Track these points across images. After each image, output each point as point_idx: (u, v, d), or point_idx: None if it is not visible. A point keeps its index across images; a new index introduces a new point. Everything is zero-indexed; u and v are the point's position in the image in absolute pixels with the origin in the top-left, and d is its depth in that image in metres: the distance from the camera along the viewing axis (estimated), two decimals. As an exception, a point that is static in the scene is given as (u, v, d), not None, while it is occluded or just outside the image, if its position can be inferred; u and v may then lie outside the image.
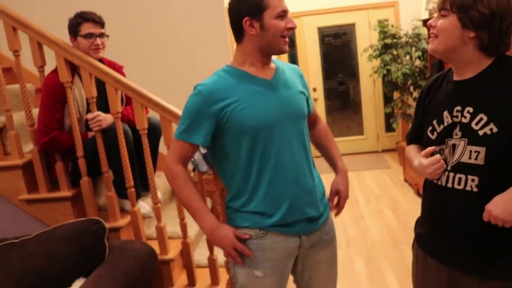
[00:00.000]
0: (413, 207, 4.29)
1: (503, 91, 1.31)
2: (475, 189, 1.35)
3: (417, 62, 5.56)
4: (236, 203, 1.61)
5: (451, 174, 1.41)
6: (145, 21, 3.51)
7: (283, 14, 1.53)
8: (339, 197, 1.79)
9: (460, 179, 1.39)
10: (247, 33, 1.54)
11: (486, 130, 1.32)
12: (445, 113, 1.43)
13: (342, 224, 4.07)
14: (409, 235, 3.69)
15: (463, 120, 1.38)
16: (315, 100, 6.34)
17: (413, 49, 5.45)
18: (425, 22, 4.67)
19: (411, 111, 5.68)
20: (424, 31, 5.43)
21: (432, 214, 1.51)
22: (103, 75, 2.37)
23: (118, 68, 2.67)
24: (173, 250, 2.54)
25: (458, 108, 1.39)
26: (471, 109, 1.36)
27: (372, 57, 5.57)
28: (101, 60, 2.55)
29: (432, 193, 1.50)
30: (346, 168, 1.83)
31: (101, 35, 2.50)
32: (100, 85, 2.54)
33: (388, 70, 5.44)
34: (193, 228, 2.82)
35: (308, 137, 1.70)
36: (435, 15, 1.45)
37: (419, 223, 1.61)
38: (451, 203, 1.42)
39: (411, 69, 5.32)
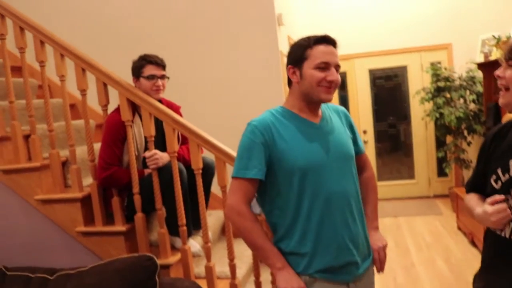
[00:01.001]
0: (467, 257, 4.11)
1: None
2: (541, 244, 1.31)
3: (472, 106, 5.45)
4: (284, 244, 1.63)
5: (516, 226, 1.37)
6: (202, 64, 3.67)
7: (323, 66, 1.59)
8: (377, 250, 1.75)
9: (525, 232, 1.35)
10: (292, 80, 1.66)
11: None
12: (511, 162, 1.40)
13: (392, 272, 3.95)
14: (463, 287, 3.53)
15: (531, 171, 1.35)
16: (365, 142, 6.30)
17: (468, 92, 5.36)
18: (480, 65, 4.61)
19: (465, 156, 5.53)
20: (479, 74, 5.34)
21: (493, 267, 1.46)
22: (162, 115, 2.49)
23: (176, 109, 2.79)
24: (221, 290, 2.56)
25: (526, 157, 1.37)
26: (539, 159, 1.33)
27: (425, 100, 5.51)
28: (160, 101, 2.67)
29: (493, 245, 1.46)
30: (378, 227, 1.82)
31: (162, 77, 2.64)
32: (158, 124, 2.65)
33: (441, 114, 5.35)
34: (241, 269, 2.82)
35: (357, 179, 1.72)
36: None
37: (478, 277, 1.56)
38: (514, 257, 1.37)
39: (465, 112, 5.22)
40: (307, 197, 1.57)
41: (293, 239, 1.60)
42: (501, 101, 1.40)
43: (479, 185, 1.58)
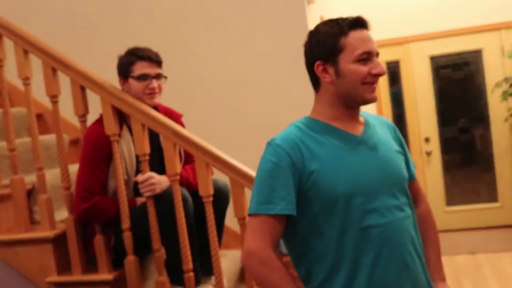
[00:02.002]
0: None
1: None
2: None
3: None
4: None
5: None
6: (210, 59, 3.70)
7: (365, 57, 1.63)
8: None
9: None
10: (322, 80, 1.68)
11: None
12: None
13: (471, 330, 3.92)
14: None
15: None
16: (428, 154, 6.28)
17: None
18: None
19: None
20: None
21: None
22: (159, 127, 2.56)
23: (176, 117, 2.85)
24: None
25: None
26: None
27: (508, 95, 5.48)
28: (156, 107, 2.74)
29: None
30: (445, 277, 1.84)
31: (158, 76, 2.70)
32: (154, 139, 2.72)
33: (532, 113, 5.32)
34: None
35: (413, 207, 1.75)
36: None
37: None
38: None
39: None
40: (353, 232, 1.60)
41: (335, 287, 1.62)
42: None
43: None
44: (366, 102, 1.68)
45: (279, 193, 1.59)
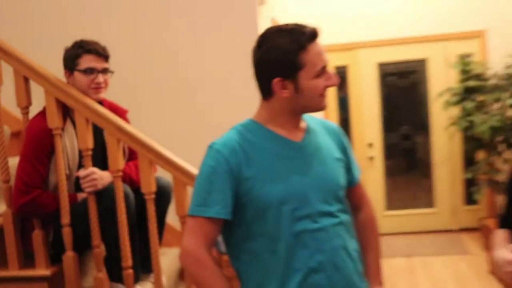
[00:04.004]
0: (503, 311, 4.21)
1: None
2: None
3: (510, 112, 5.55)
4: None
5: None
6: (156, 56, 3.69)
7: (322, 71, 1.67)
8: None
9: None
10: (277, 94, 1.69)
11: None
12: None
13: (404, 331, 4.02)
14: None
15: None
16: (371, 159, 6.39)
17: (506, 94, 5.43)
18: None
19: (501, 177, 5.64)
20: (521, 71, 5.46)
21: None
22: (103, 122, 2.54)
23: (122, 113, 2.82)
24: None
25: None
26: None
27: (450, 104, 5.61)
28: (101, 102, 2.71)
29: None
30: (382, 281, 1.90)
31: (104, 70, 2.68)
32: (98, 134, 2.69)
33: (471, 122, 5.44)
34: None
35: (348, 210, 1.81)
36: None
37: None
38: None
39: (502, 121, 5.26)
40: (285, 237, 1.65)
41: None
42: None
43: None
44: (319, 110, 1.72)
45: (214, 197, 1.65)
